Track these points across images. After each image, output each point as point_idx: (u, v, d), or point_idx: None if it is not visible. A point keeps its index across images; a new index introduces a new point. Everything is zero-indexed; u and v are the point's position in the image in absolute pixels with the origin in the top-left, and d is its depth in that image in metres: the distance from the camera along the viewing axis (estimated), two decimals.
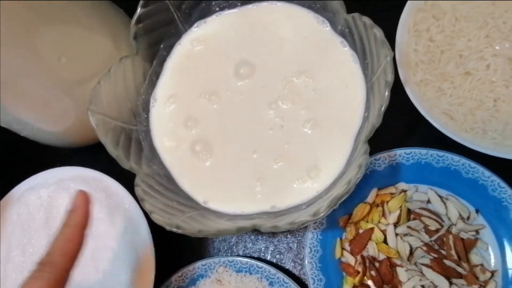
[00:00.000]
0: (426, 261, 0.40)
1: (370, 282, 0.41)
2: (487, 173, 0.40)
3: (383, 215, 0.42)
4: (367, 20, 0.37)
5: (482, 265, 0.39)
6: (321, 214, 0.34)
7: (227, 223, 0.39)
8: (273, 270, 0.43)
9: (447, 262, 0.39)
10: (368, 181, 0.43)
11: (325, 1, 0.41)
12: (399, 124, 0.44)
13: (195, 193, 0.43)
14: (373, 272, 0.41)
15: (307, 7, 0.44)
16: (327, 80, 0.42)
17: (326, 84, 0.42)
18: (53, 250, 0.31)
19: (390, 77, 0.35)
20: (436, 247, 0.40)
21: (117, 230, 0.43)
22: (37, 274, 0.29)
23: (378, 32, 0.36)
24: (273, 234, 0.47)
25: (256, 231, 0.36)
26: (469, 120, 0.37)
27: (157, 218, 0.36)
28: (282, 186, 0.41)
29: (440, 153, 0.41)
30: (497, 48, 0.37)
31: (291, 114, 0.42)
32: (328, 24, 0.43)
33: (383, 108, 0.36)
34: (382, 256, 0.41)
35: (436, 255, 0.40)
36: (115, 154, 0.39)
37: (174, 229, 0.36)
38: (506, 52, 0.37)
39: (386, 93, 0.36)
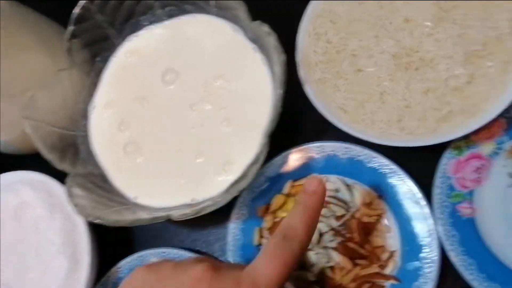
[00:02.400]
0: (334, 244, 0.43)
1: None
2: (386, 162, 0.43)
3: None
4: (265, 28, 0.42)
5: (383, 246, 0.42)
6: (220, 200, 0.38)
7: (145, 215, 0.43)
8: None
9: (351, 244, 0.42)
10: (284, 174, 0.47)
11: (235, 11, 0.46)
12: (310, 121, 0.48)
13: (126, 190, 0.47)
14: None
15: (223, 18, 0.49)
16: (241, 83, 0.46)
17: (240, 86, 0.46)
18: (296, 224, 0.30)
19: (282, 78, 0.40)
20: (344, 231, 0.43)
21: (57, 226, 0.47)
22: (282, 244, 0.29)
23: (271, 39, 0.41)
24: (204, 226, 0.51)
25: (170, 220, 0.40)
26: (360, 112, 0.41)
27: (80, 210, 0.41)
28: (201, 180, 0.45)
29: (346, 145, 0.45)
30: (384, 46, 0.41)
31: (210, 114, 0.47)
32: (242, 32, 0.48)
33: (277, 105, 0.40)
34: None
35: (342, 239, 0.43)
36: (49, 158, 0.44)
37: (96, 221, 0.41)
38: (390, 49, 0.41)
39: (279, 91, 0.40)
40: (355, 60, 0.42)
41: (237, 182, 0.39)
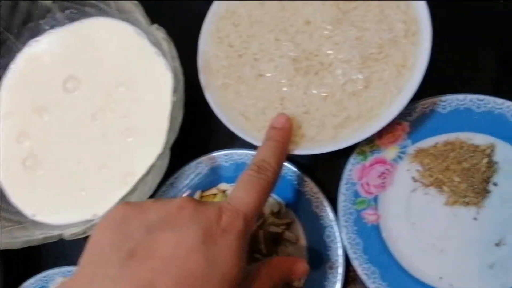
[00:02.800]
0: None
1: None
2: (293, 169, 0.42)
3: None
4: (161, 33, 0.40)
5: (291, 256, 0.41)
6: None
7: (38, 234, 0.40)
8: None
9: (258, 256, 0.41)
10: (194, 184, 0.45)
11: (134, 14, 0.43)
12: (220, 128, 0.46)
13: (25, 207, 0.44)
14: None
15: (126, 21, 0.46)
16: (144, 89, 0.44)
17: (143, 93, 0.44)
18: (268, 157, 0.33)
19: (174, 85, 0.38)
20: (251, 242, 0.42)
21: None
22: (257, 175, 0.31)
23: (165, 44, 0.39)
24: None
25: (62, 239, 0.38)
26: (261, 119, 0.39)
27: None
28: (103, 194, 0.43)
29: (254, 153, 0.42)
30: (284, 50, 0.39)
31: (112, 124, 0.44)
32: (145, 36, 0.45)
33: (174, 113, 0.38)
34: None
35: (249, 250, 0.41)
36: None
37: None
38: (290, 53, 0.39)
39: (173, 98, 0.38)
40: (256, 64, 0.40)
41: (128, 195, 0.36)
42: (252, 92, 0.40)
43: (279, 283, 0.32)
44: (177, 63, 0.38)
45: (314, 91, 0.38)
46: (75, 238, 0.37)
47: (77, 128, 0.45)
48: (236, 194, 0.30)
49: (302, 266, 0.33)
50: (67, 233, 0.38)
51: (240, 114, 0.40)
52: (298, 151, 0.38)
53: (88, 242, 0.27)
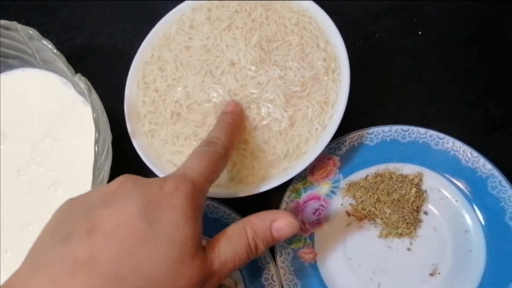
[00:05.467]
0: None
1: None
2: (228, 211, 0.41)
3: None
4: (82, 83, 0.39)
5: None
6: None
7: None
8: None
9: None
10: None
11: (59, 64, 0.42)
12: (154, 175, 0.45)
13: None
14: None
15: (52, 71, 0.45)
16: (71, 140, 0.43)
17: (71, 145, 0.43)
18: (218, 133, 0.33)
19: (95, 136, 0.36)
20: None
21: None
22: (206, 147, 0.31)
23: (88, 94, 0.38)
24: None
25: None
26: None
27: None
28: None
29: None
30: (210, 93, 0.39)
31: (38, 178, 0.42)
32: (71, 85, 0.44)
33: (98, 164, 0.37)
34: None
35: None
36: None
37: None
38: (216, 96, 0.39)
39: (96, 149, 0.36)
40: (181, 109, 0.40)
41: None
42: (178, 138, 0.40)
43: (260, 245, 0.28)
44: (98, 113, 0.37)
45: None
46: None
47: (1, 186, 0.43)
48: (184, 164, 0.30)
49: (284, 223, 0.28)
50: None
51: (167, 161, 0.40)
52: (229, 195, 0.37)
53: None
